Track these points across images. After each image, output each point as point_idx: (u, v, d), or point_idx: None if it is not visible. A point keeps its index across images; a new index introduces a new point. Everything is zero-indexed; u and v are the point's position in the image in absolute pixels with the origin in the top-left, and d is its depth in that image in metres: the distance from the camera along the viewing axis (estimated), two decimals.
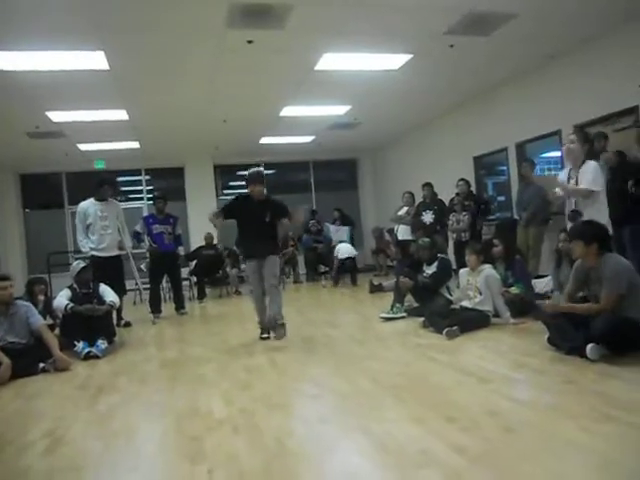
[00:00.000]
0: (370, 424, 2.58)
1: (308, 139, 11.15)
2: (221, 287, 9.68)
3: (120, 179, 11.77)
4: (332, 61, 6.54)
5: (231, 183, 12.98)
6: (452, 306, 5.27)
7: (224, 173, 12.81)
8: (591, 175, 4.53)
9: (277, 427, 2.69)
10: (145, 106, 7.79)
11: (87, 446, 2.68)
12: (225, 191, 12.88)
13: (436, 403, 2.85)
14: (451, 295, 5.70)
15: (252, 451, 2.39)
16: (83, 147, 9.96)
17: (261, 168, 5.20)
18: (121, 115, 7.99)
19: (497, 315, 4.85)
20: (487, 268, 4.88)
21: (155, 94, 7.26)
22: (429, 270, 5.83)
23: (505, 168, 8.53)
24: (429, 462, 2.11)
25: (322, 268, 10.95)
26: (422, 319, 5.09)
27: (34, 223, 11.63)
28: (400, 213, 8.99)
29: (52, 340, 4.55)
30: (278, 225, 5.25)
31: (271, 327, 4.97)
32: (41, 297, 5.62)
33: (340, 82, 7.42)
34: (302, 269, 11.21)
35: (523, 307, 4.94)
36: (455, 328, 4.48)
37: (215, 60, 6.22)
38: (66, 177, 11.69)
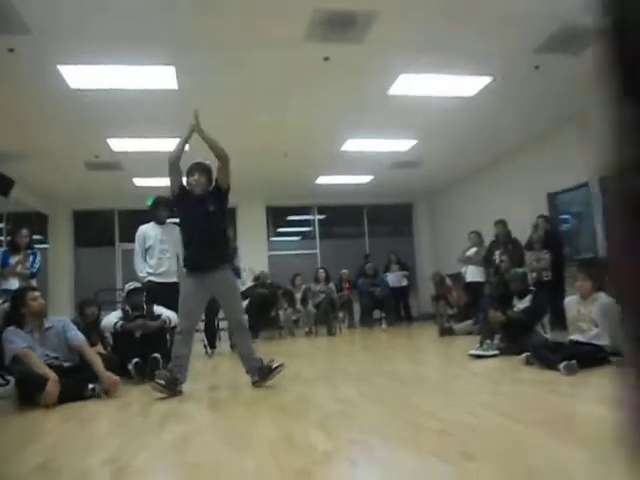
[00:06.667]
0: (537, 463, 1.94)
1: (366, 179, 10.75)
2: (273, 329, 9.09)
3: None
4: (408, 83, 6.17)
5: (280, 229, 12.67)
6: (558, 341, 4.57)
7: (276, 215, 12.48)
8: None
9: (412, 464, 2.07)
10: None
11: (162, 477, 2.12)
12: (279, 229, 12.60)
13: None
14: (546, 333, 5.03)
15: None
16: (138, 182, 9.80)
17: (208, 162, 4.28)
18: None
19: (614, 353, 4.13)
20: (603, 296, 4.20)
21: (221, 121, 7.00)
22: (521, 304, 5.17)
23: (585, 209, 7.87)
24: None
25: (379, 314, 10.34)
26: (522, 356, 4.39)
27: (84, 260, 11.42)
28: (469, 254, 8.40)
29: (94, 357, 4.04)
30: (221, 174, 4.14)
31: (251, 371, 4.06)
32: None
33: (410, 111, 7.04)
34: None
35: None
36: (574, 362, 3.78)
37: (288, 79, 5.93)
38: (118, 215, 11.54)
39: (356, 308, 10.59)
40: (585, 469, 1.86)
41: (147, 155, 8.07)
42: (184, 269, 4.20)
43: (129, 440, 2.71)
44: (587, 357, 3.94)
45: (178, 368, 3.90)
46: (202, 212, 4.04)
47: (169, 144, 7.64)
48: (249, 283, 9.33)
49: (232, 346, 6.77)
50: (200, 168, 4.19)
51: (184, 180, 4.21)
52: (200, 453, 2.40)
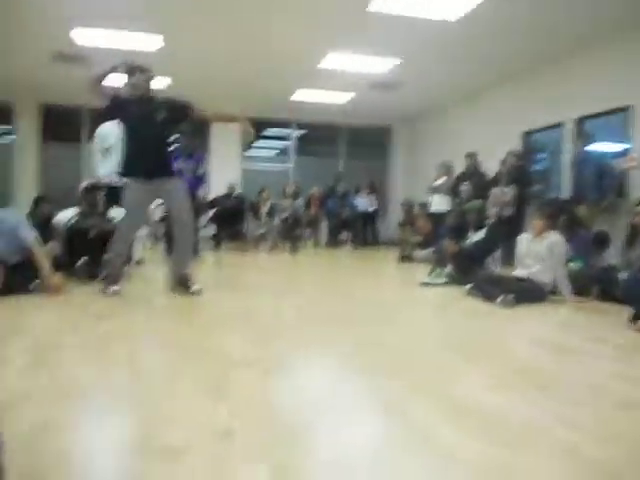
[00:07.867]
0: (442, 386, 2.03)
1: (346, 97, 10.42)
2: (239, 241, 9.12)
3: None
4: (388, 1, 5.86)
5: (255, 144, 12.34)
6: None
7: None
8: None
9: (319, 377, 2.16)
10: (183, 35, 7.16)
11: (76, 370, 2.15)
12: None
13: (519, 369, 2.28)
14: (496, 267, 5.16)
15: (284, 398, 1.87)
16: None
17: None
18: (157, 42, 7.34)
19: (552, 292, 4.25)
20: (554, 234, 4.27)
21: (194, 22, 6.63)
22: (475, 237, 5.24)
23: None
24: (539, 437, 1.56)
25: (345, 235, 10.46)
26: (467, 286, 4.49)
27: (50, 157, 11.07)
28: (437, 183, 8.41)
29: (43, 260, 3.97)
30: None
31: (179, 284, 4.02)
32: None
33: (392, 31, 6.74)
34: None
35: (582, 285, 4.34)
36: (511, 296, 3.90)
37: None
38: (88, 113, 11.07)
39: (324, 228, 10.67)
40: (490, 393, 1.95)
41: (115, 53, 7.66)
42: (126, 177, 4.07)
43: (57, 333, 2.75)
44: (526, 293, 4.06)
45: (113, 265, 3.95)
46: (147, 121, 3.96)
47: (141, 38, 7.34)
48: (217, 193, 9.29)
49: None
50: (142, 67, 4.08)
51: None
52: (124, 351, 2.45)
